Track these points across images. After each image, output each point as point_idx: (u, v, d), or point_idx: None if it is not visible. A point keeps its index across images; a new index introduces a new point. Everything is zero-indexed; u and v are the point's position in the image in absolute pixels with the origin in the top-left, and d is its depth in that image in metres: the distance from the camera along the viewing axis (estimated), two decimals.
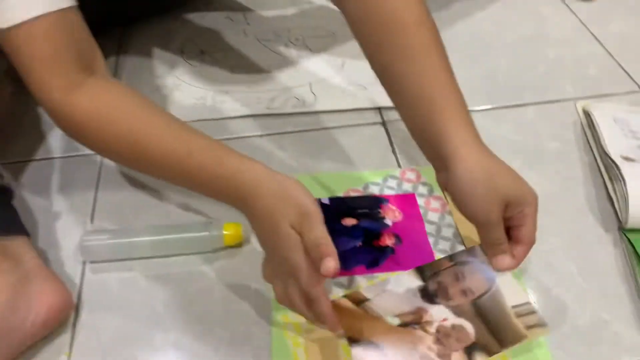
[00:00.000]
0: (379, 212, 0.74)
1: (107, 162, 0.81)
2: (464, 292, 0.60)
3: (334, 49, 1.00)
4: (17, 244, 0.63)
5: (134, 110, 0.61)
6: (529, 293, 0.65)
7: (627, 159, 0.74)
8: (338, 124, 0.87)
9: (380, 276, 0.67)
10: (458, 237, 0.71)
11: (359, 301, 0.61)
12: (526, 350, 0.60)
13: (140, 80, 0.95)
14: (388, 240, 0.71)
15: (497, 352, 0.56)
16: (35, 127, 0.87)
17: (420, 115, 0.61)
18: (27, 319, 0.58)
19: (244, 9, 1.11)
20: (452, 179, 0.59)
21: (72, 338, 0.63)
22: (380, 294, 0.61)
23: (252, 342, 0.62)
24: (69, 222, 0.74)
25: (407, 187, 0.77)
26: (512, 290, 0.60)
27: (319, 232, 0.54)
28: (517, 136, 0.84)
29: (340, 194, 0.76)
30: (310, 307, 0.55)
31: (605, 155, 0.76)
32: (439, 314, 0.59)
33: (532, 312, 0.58)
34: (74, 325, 0.64)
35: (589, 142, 0.82)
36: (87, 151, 0.75)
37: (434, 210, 0.74)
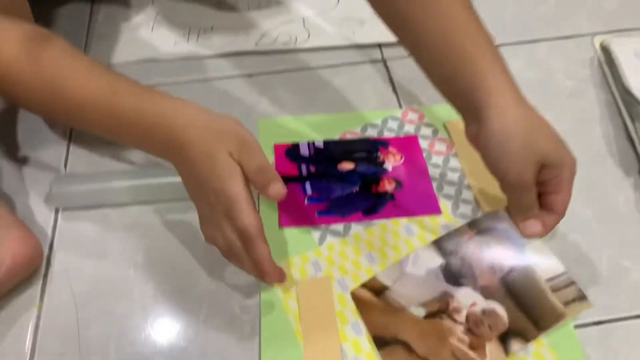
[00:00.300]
0: (378, 156, 0.68)
1: None
2: (492, 268, 0.54)
3: None
4: None
5: (55, 55, 0.55)
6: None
7: None
8: (333, 62, 0.80)
9: (378, 223, 0.62)
10: (464, 181, 0.65)
11: (378, 290, 0.56)
12: None
13: (116, 16, 0.87)
14: (387, 186, 0.65)
15: (534, 338, 0.51)
16: None
17: (448, 63, 0.54)
18: None
19: None
20: (484, 132, 0.53)
21: (43, 290, 0.58)
22: (399, 279, 0.56)
23: (239, 294, 0.57)
24: (41, 168, 0.68)
25: (408, 129, 0.71)
26: (545, 260, 0.54)
27: (261, 158, 0.51)
28: (528, 74, 0.77)
29: (336, 137, 0.70)
30: (248, 251, 0.51)
31: (626, 92, 0.69)
32: (467, 297, 0.53)
33: (570, 283, 0.52)
34: (45, 276, 0.59)
35: (606, 80, 0.75)
36: None
37: (438, 153, 0.68)
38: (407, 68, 0.77)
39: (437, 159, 0.68)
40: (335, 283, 0.57)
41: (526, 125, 0.52)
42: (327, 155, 0.68)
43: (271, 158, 0.68)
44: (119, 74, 0.55)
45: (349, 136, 0.71)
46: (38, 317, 0.56)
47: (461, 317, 0.52)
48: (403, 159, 0.68)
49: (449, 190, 0.65)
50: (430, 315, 0.53)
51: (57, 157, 0.69)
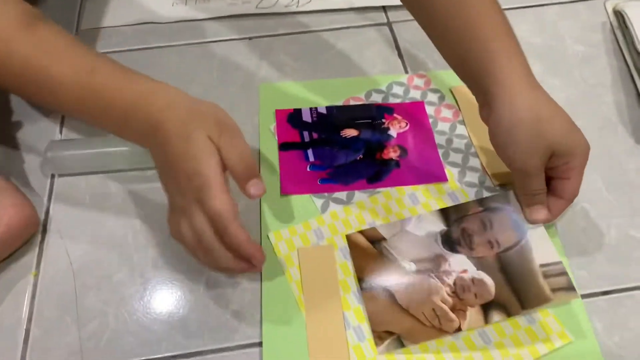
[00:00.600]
0: (383, 123, 0.66)
1: None
2: (490, 243, 0.54)
3: None
4: None
5: (41, 37, 0.52)
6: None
7: None
8: (337, 25, 0.77)
9: (382, 191, 0.60)
10: (471, 148, 0.64)
11: (374, 239, 0.56)
12: None
13: None
14: (392, 153, 0.64)
15: (516, 314, 0.51)
16: None
17: (460, 44, 0.53)
18: None
19: None
20: (493, 118, 0.51)
21: (40, 257, 0.57)
22: (397, 233, 0.56)
23: None
24: (36, 134, 0.66)
25: (414, 95, 0.69)
26: (543, 246, 0.54)
27: (243, 147, 0.48)
28: (537, 39, 0.75)
29: (340, 103, 0.68)
30: (224, 239, 0.47)
31: (639, 57, 0.67)
32: (459, 264, 0.54)
33: (563, 273, 0.52)
34: (42, 243, 0.57)
35: (619, 45, 0.73)
36: None
37: (444, 119, 0.66)
38: (413, 32, 0.74)
39: (443, 126, 0.66)
40: (338, 251, 0.56)
41: (536, 114, 0.50)
42: (330, 121, 0.66)
43: (273, 124, 0.66)
44: (100, 54, 0.53)
45: (352, 102, 0.68)
46: (35, 285, 0.55)
47: (449, 280, 0.53)
48: (408, 125, 0.66)
49: (456, 157, 0.63)
50: (420, 272, 0.53)
51: (52, 122, 0.67)
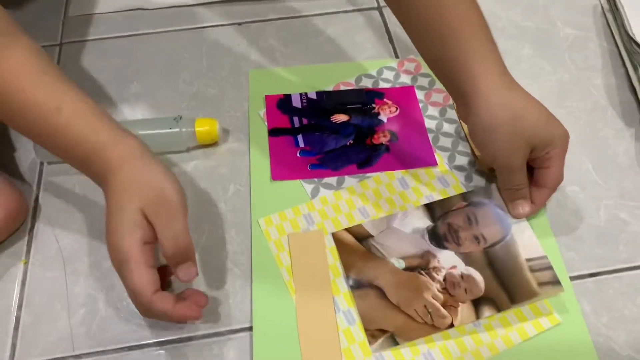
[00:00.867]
0: (373, 107, 0.66)
1: (68, 57, 0.72)
2: (476, 238, 0.55)
3: None
4: None
5: (14, 58, 0.50)
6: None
7: None
8: (327, 10, 0.77)
9: (372, 176, 0.60)
10: (461, 132, 0.63)
11: (361, 237, 0.56)
12: None
13: None
14: (382, 138, 0.64)
15: (506, 309, 0.51)
16: None
17: (437, 46, 0.53)
18: None
19: None
20: (472, 118, 0.52)
21: (29, 244, 0.57)
22: (384, 230, 0.56)
23: (231, 248, 0.56)
24: None
25: (405, 79, 0.69)
26: (528, 241, 0.54)
27: (180, 228, 0.47)
28: (528, 22, 0.75)
29: (330, 88, 0.68)
30: (149, 310, 0.47)
31: (629, 40, 0.67)
32: (448, 260, 0.54)
33: (548, 267, 0.53)
34: (31, 230, 0.57)
35: (609, 28, 0.73)
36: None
37: (434, 104, 0.66)
38: None
39: (433, 111, 0.66)
40: (328, 236, 0.56)
41: (512, 111, 0.50)
42: (320, 106, 0.66)
43: (262, 109, 0.66)
44: (69, 84, 0.51)
45: (342, 87, 0.68)
46: (25, 272, 0.55)
47: (440, 276, 0.53)
48: (398, 110, 0.66)
49: (445, 142, 0.63)
50: (409, 269, 0.53)
51: None
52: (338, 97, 0.67)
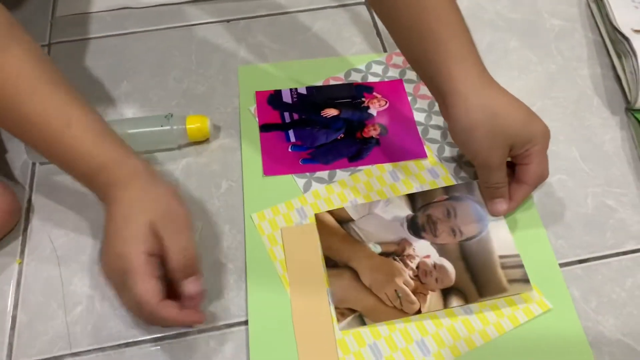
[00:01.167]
0: (363, 101, 0.67)
1: (57, 57, 0.72)
2: (453, 231, 0.56)
3: None
4: None
5: (16, 61, 0.50)
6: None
7: (638, 31, 0.66)
8: (314, 5, 0.77)
9: (363, 169, 0.61)
10: None
11: (343, 220, 0.57)
12: (526, 242, 0.55)
13: None
14: (372, 131, 0.64)
15: (474, 302, 0.52)
16: None
17: (418, 47, 0.53)
18: None
19: None
20: (452, 118, 0.53)
21: (24, 245, 0.57)
22: (365, 215, 0.57)
23: (225, 243, 0.57)
24: None
25: (393, 73, 0.69)
26: (502, 239, 0.55)
27: (187, 241, 0.48)
28: (513, 13, 0.75)
29: (320, 83, 0.68)
30: (153, 319, 0.48)
31: (613, 29, 0.68)
32: (423, 249, 0.55)
33: (519, 265, 0.54)
34: (25, 231, 0.58)
35: (594, 19, 0.74)
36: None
37: (423, 97, 0.67)
38: None
39: (422, 103, 0.67)
40: None
41: (490, 110, 0.51)
42: (310, 101, 0.67)
43: (253, 105, 0.66)
44: (76, 96, 0.51)
45: (332, 82, 0.69)
46: (20, 272, 0.55)
47: (413, 264, 0.54)
48: (388, 103, 0.67)
49: (434, 134, 0.64)
50: (385, 254, 0.55)
51: None
52: (328, 92, 0.68)
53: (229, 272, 0.55)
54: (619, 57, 0.67)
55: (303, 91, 0.68)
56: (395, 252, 0.55)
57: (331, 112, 0.66)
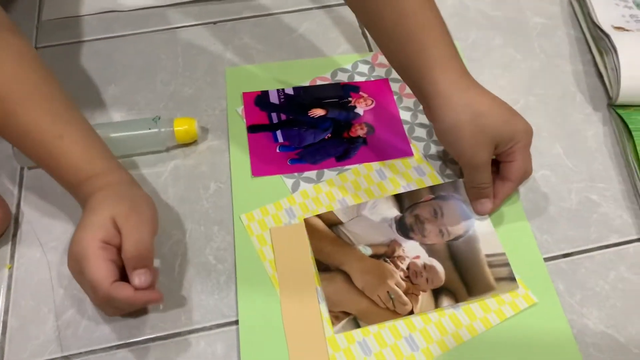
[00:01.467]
0: (349, 101, 0.67)
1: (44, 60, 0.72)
2: (441, 232, 0.57)
3: None
4: None
5: (7, 63, 0.52)
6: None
7: (618, 28, 0.67)
8: (300, 6, 0.78)
9: (351, 168, 0.61)
10: None
11: (332, 223, 0.57)
12: (511, 237, 0.56)
13: None
14: (359, 131, 0.65)
15: (464, 301, 0.53)
16: None
17: (401, 51, 0.54)
18: None
19: None
20: (436, 120, 0.54)
21: (13, 249, 0.57)
22: (354, 218, 0.58)
23: (214, 244, 0.57)
24: None
25: (379, 72, 0.70)
26: (488, 237, 0.56)
27: (144, 236, 0.49)
28: (496, 12, 0.76)
29: (306, 83, 0.69)
30: (111, 303, 0.49)
31: (594, 26, 0.69)
32: (412, 250, 0.56)
33: (505, 264, 0.55)
34: (15, 235, 0.58)
35: (576, 16, 0.75)
36: None
37: (409, 96, 0.68)
38: None
39: (408, 102, 0.67)
40: None
41: (473, 111, 0.52)
42: (297, 102, 0.67)
43: (240, 107, 0.67)
44: (69, 104, 0.54)
45: (319, 82, 0.69)
46: (10, 277, 0.55)
47: (403, 265, 0.55)
48: (374, 103, 0.67)
49: (421, 132, 0.65)
50: (375, 256, 0.55)
51: None
52: (315, 92, 0.68)
53: (219, 272, 0.55)
54: (601, 53, 0.68)
55: (290, 92, 0.68)
56: (386, 254, 0.55)
57: (318, 112, 0.67)
